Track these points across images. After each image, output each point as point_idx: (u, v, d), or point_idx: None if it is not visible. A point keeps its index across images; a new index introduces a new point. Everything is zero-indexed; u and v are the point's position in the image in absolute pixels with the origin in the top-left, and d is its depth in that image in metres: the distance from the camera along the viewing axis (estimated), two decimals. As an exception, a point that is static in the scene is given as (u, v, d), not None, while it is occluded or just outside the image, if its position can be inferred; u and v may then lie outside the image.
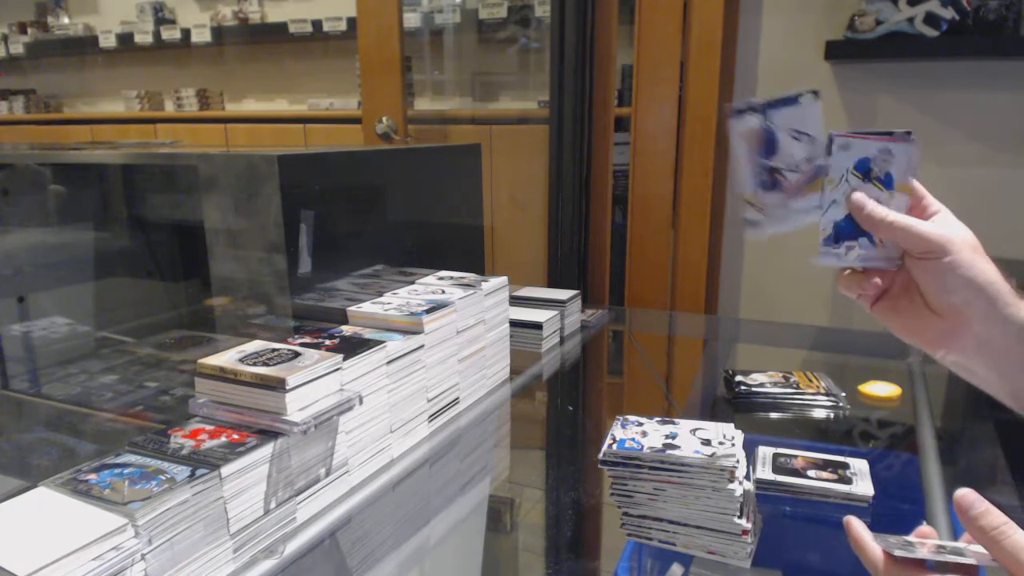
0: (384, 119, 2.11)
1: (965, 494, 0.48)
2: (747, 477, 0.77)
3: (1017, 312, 0.59)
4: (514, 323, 1.20)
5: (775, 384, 1.13)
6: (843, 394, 1.10)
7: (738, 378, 1.14)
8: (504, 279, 1.13)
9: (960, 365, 0.64)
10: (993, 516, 0.47)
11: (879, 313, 0.66)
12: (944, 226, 0.62)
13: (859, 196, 0.64)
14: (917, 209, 0.64)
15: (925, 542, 0.53)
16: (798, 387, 1.11)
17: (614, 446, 0.68)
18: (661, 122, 1.82)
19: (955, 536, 0.55)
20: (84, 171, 1.32)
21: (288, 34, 3.17)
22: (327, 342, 0.85)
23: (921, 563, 0.50)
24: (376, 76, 2.10)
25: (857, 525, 0.54)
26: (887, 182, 0.65)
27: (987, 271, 0.60)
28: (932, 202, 0.65)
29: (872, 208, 0.63)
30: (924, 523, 0.56)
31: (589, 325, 1.51)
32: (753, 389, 1.11)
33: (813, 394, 1.10)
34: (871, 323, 2.00)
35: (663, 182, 1.84)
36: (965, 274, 0.59)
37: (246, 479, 0.67)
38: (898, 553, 0.51)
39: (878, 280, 0.65)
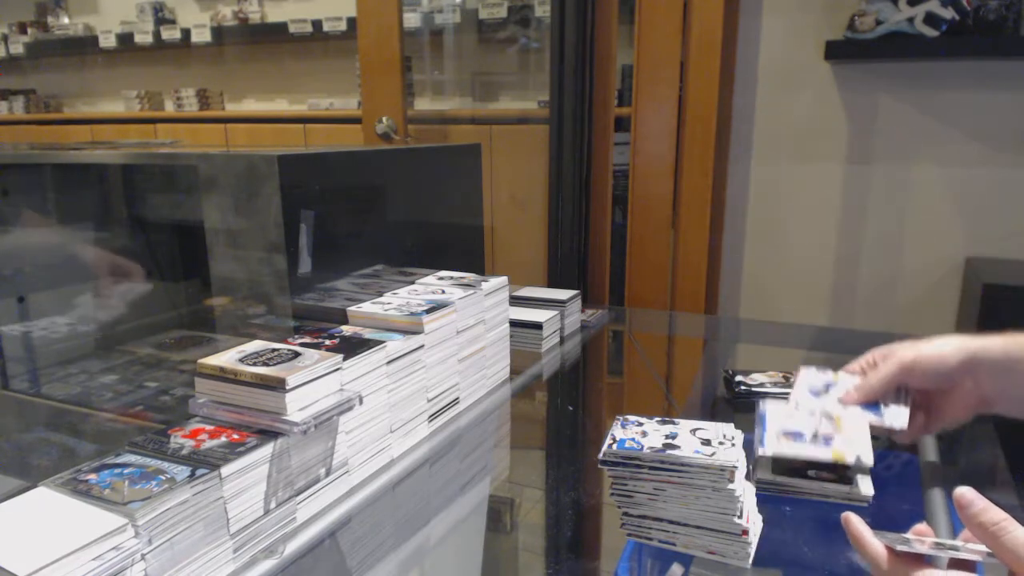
0: (384, 119, 2.11)
1: (964, 492, 0.49)
2: (747, 477, 0.77)
3: (990, 354, 0.71)
4: (514, 323, 1.20)
5: (775, 384, 1.12)
6: None
7: (738, 378, 1.14)
8: (504, 279, 1.13)
9: (1014, 405, 0.74)
10: (992, 512, 0.48)
11: (933, 429, 0.80)
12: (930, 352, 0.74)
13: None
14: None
15: (924, 540, 0.53)
16: None
17: (614, 446, 0.68)
18: (661, 122, 1.82)
19: (955, 536, 0.55)
20: (84, 171, 1.32)
21: (288, 34, 3.17)
22: (327, 342, 0.85)
23: (920, 558, 0.50)
24: (376, 76, 2.11)
25: (855, 521, 0.55)
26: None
27: (943, 353, 0.73)
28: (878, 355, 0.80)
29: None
30: (923, 522, 0.56)
31: (589, 325, 1.51)
32: (753, 389, 1.11)
33: None
34: (871, 323, 2.01)
35: (663, 182, 1.84)
36: (947, 373, 0.73)
37: (246, 479, 0.67)
38: (900, 548, 0.51)
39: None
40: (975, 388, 0.74)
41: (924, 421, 0.79)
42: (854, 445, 0.75)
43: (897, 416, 0.76)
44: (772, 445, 0.77)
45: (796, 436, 0.79)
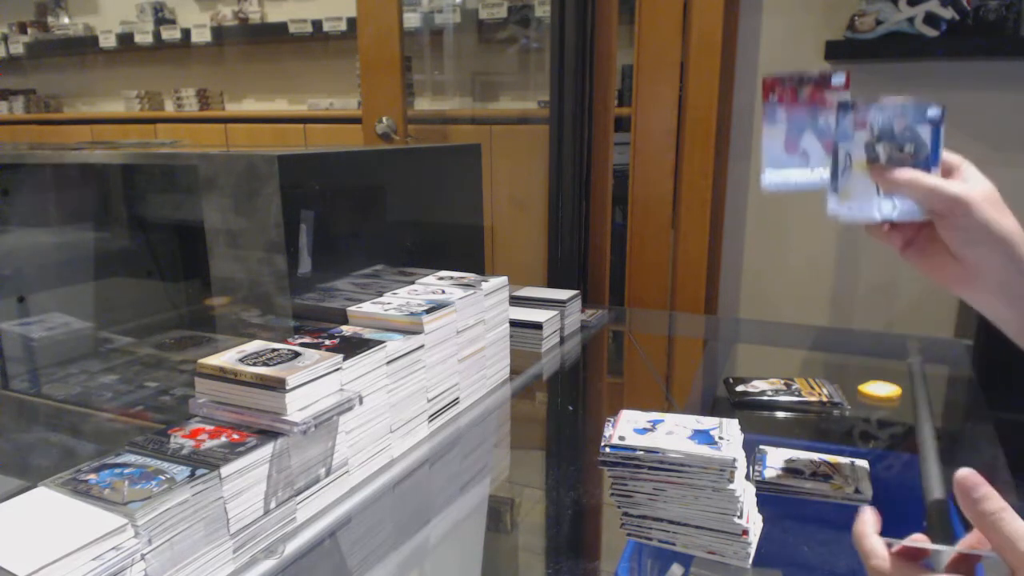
0: (384, 119, 2.11)
1: (968, 475, 0.47)
2: (747, 477, 0.77)
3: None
4: (514, 323, 1.20)
5: (776, 392, 1.12)
6: (848, 406, 1.09)
7: (739, 387, 1.14)
8: (504, 279, 1.13)
9: (981, 305, 0.67)
10: (993, 501, 0.46)
11: (907, 257, 0.70)
12: (964, 183, 0.65)
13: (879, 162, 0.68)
14: (940, 167, 0.67)
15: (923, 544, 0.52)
16: (800, 395, 1.11)
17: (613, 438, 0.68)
18: (661, 122, 1.82)
19: (954, 538, 0.55)
20: (84, 171, 1.32)
21: (288, 34, 3.17)
22: (327, 342, 0.85)
23: (916, 562, 0.50)
24: (376, 76, 2.10)
25: (867, 515, 0.53)
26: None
27: (1005, 225, 0.63)
28: (952, 157, 0.68)
29: (895, 171, 0.67)
30: (920, 533, 0.55)
31: (589, 325, 1.51)
32: (755, 398, 1.11)
33: (816, 402, 1.09)
34: (871, 323, 2.00)
35: (663, 182, 1.84)
36: (984, 230, 0.62)
37: (246, 479, 0.67)
38: (895, 542, 0.50)
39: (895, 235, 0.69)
40: (974, 269, 0.64)
41: (899, 241, 0.70)
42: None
43: None
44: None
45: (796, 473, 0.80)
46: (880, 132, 0.68)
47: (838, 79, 0.71)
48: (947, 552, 0.51)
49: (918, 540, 0.52)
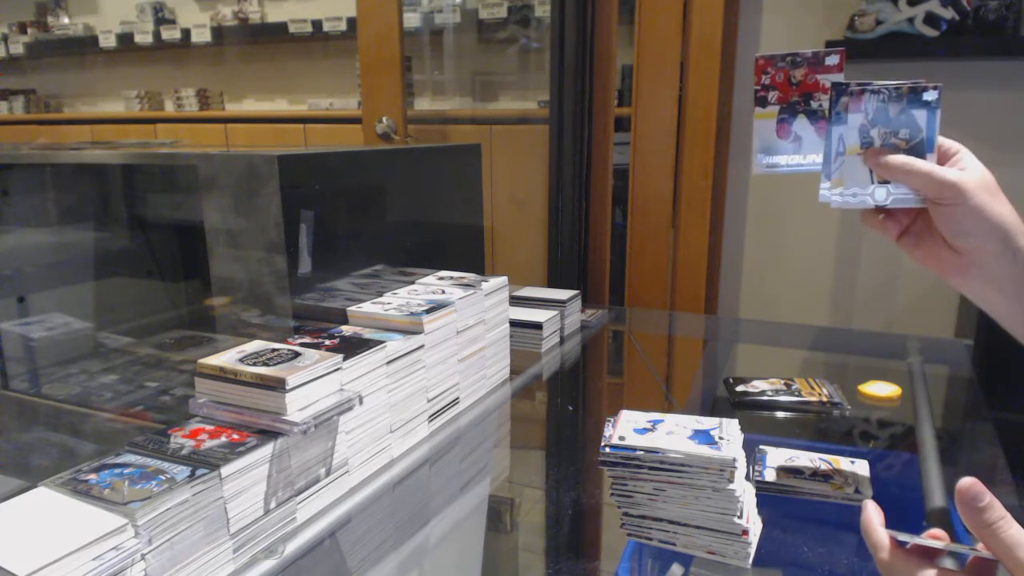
0: (384, 119, 2.11)
1: (971, 484, 0.47)
2: (747, 477, 0.77)
3: None
4: (514, 323, 1.20)
5: (776, 392, 1.12)
6: (848, 406, 1.09)
7: (739, 387, 1.14)
8: (504, 279, 1.13)
9: (977, 297, 0.67)
10: (995, 510, 0.47)
11: (902, 246, 0.70)
12: (960, 170, 0.65)
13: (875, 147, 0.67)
14: (936, 153, 0.67)
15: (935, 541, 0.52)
16: (800, 395, 1.11)
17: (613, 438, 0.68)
18: (661, 122, 1.82)
19: (955, 539, 0.55)
20: (84, 171, 1.32)
21: (288, 34, 3.17)
22: (327, 342, 0.85)
23: (924, 556, 0.50)
24: (376, 76, 2.10)
25: (870, 508, 0.54)
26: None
27: (1000, 213, 0.63)
28: (950, 144, 0.68)
29: (889, 156, 0.66)
30: (938, 528, 0.55)
31: (589, 325, 1.51)
32: (755, 398, 1.11)
33: (816, 402, 1.09)
34: (871, 323, 2.00)
35: (663, 182, 1.84)
36: (979, 218, 0.62)
37: (246, 479, 0.67)
38: (902, 539, 0.50)
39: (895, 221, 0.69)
40: (968, 258, 0.64)
41: (896, 229, 0.69)
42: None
43: None
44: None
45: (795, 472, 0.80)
46: (874, 116, 0.68)
47: (832, 59, 0.71)
48: (957, 554, 0.51)
49: (936, 536, 0.51)
